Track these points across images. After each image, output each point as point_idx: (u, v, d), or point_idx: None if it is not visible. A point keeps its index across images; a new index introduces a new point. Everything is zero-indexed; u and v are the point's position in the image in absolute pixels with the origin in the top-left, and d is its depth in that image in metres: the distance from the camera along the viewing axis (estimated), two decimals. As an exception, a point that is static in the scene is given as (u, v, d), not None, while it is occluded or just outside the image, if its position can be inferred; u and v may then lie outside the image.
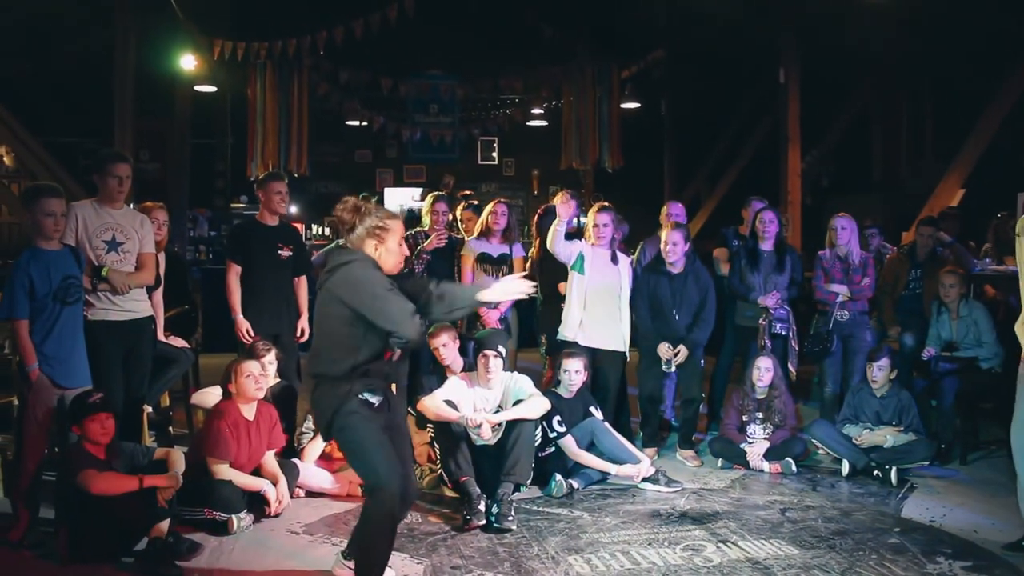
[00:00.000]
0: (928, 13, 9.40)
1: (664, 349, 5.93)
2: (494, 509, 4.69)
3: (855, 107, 12.28)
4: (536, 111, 13.16)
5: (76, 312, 4.45)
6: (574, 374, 5.56)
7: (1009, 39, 7.78)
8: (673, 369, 6.00)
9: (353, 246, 3.60)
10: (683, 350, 5.88)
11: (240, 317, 5.68)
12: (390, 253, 3.60)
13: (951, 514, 4.89)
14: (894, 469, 5.45)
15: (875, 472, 5.52)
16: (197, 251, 12.49)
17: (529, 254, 6.78)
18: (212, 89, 11.61)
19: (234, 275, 5.72)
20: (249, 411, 4.85)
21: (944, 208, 8.39)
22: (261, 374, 4.90)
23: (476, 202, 7.26)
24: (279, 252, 5.75)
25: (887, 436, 5.66)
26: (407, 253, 3.78)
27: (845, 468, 5.64)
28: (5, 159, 13.31)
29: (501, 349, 5.24)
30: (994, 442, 6.26)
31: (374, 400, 3.56)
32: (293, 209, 14.66)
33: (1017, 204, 7.22)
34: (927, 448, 5.65)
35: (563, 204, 5.71)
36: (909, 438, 5.66)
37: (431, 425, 5.23)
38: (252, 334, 5.62)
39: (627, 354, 6.05)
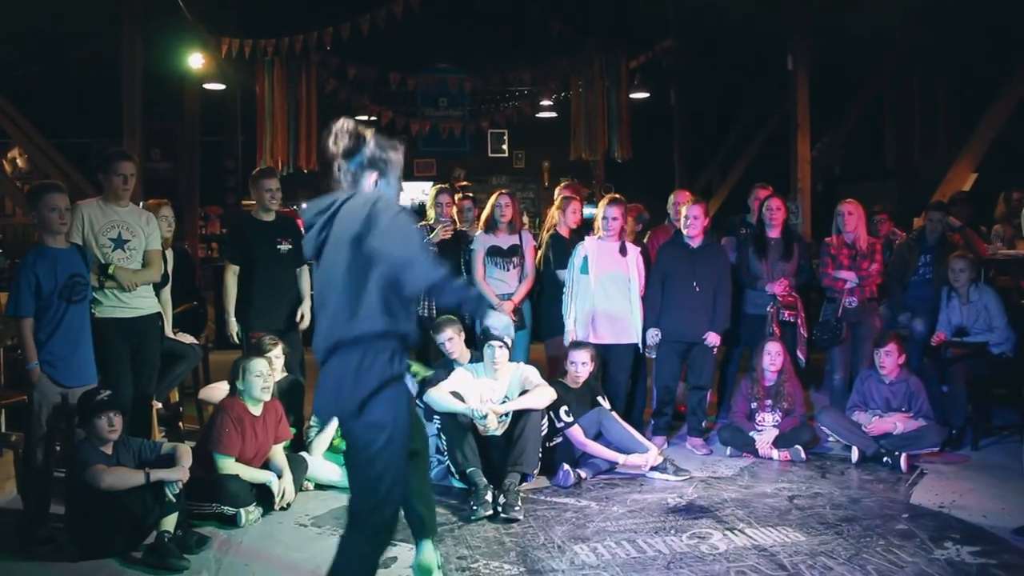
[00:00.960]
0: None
1: (651, 335, 5.94)
2: (501, 499, 4.71)
3: (868, 95, 12.18)
4: (545, 103, 13.13)
5: (82, 311, 4.49)
6: (580, 365, 5.56)
7: (1022, 24, 7.70)
8: (653, 355, 6.02)
9: (346, 180, 3.13)
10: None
11: (232, 319, 5.73)
12: (392, 189, 3.17)
13: (961, 499, 4.86)
14: (903, 455, 5.42)
15: (884, 459, 5.49)
16: (209, 248, 12.55)
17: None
18: (221, 87, 11.65)
19: (231, 275, 5.75)
20: (255, 407, 4.88)
21: (955, 193, 8.33)
22: (269, 373, 4.93)
23: (471, 194, 7.26)
24: (278, 247, 5.77)
25: (896, 423, 5.63)
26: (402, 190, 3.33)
27: (854, 455, 5.62)
28: (19, 161, 13.44)
29: (507, 340, 5.25)
30: (1007, 427, 6.23)
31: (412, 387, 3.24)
32: (304, 204, 14.74)
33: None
34: (937, 434, 5.62)
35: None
36: (919, 424, 5.62)
37: (438, 416, 5.26)
38: (239, 338, 5.68)
39: (640, 345, 6.04)
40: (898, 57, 11.42)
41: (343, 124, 3.11)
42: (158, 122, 11.10)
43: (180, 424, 6.05)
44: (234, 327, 5.70)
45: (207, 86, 11.50)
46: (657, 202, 7.66)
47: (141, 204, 5.54)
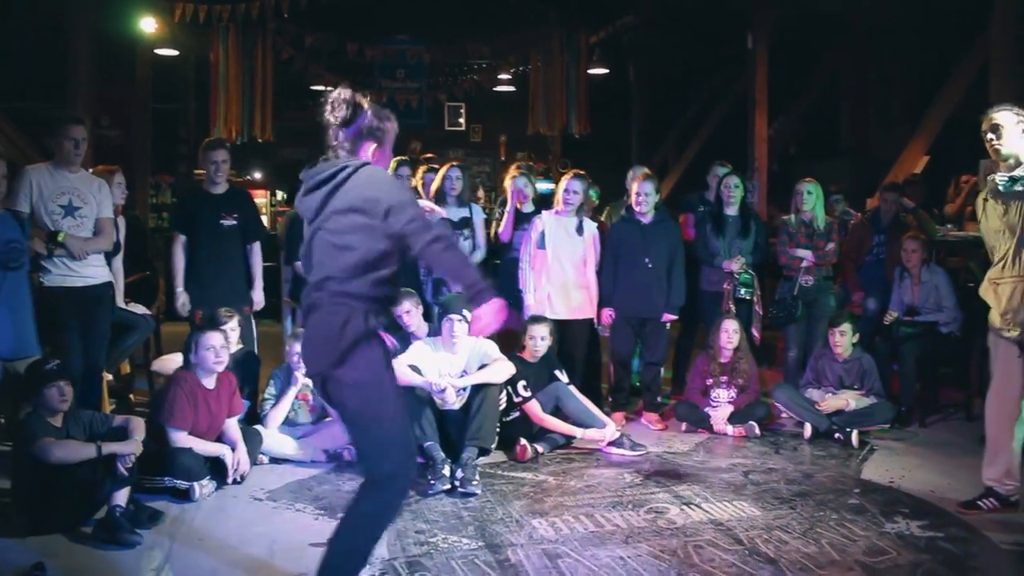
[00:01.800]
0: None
1: (606, 314, 5.97)
2: (459, 473, 4.70)
3: (824, 75, 12.29)
4: (503, 76, 13.03)
5: (20, 278, 4.36)
6: (540, 340, 5.56)
7: (975, 8, 7.79)
8: (607, 333, 6.05)
9: (340, 149, 3.10)
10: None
11: (180, 290, 5.64)
12: (386, 159, 3.20)
13: (910, 475, 4.96)
14: (855, 432, 5.52)
15: (836, 435, 5.58)
16: (160, 218, 12.30)
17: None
18: (174, 53, 11.36)
19: (179, 246, 5.66)
20: (209, 380, 4.79)
21: (908, 174, 8.45)
22: (223, 346, 4.84)
23: (436, 166, 7.21)
24: (222, 221, 5.66)
25: (849, 400, 5.72)
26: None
27: (807, 431, 5.70)
28: (-38, 125, 13.01)
29: (466, 313, 5.23)
30: (952, 405, 6.37)
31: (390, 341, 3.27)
32: (257, 175, 14.54)
33: (980, 170, 7.25)
34: (888, 411, 5.72)
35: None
36: (870, 401, 5.72)
37: (396, 391, 5.22)
38: (187, 310, 5.60)
39: (595, 320, 6.07)
40: (855, 36, 11.52)
41: (340, 93, 3.08)
42: (108, 88, 10.77)
43: (131, 396, 5.94)
44: (181, 298, 5.60)
45: (159, 51, 11.19)
46: (614, 177, 7.68)
47: (91, 171, 5.39)
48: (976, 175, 8.18)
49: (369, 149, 3.11)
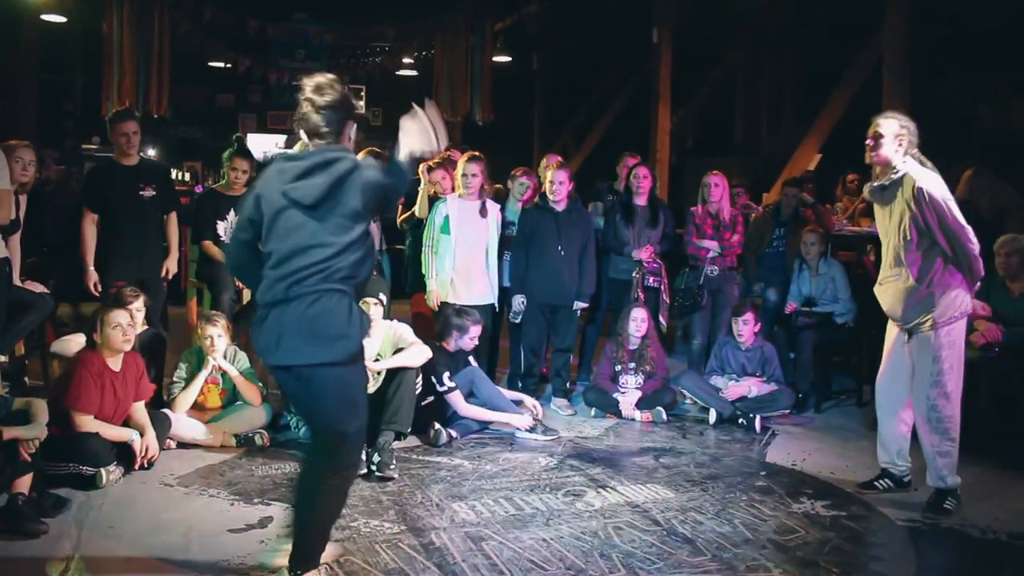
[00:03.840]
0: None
1: (517, 301, 6.04)
2: (375, 458, 4.66)
3: (721, 71, 12.64)
4: (407, 60, 12.93)
5: None
6: (470, 340, 5.60)
7: (867, 11, 8.15)
8: (519, 320, 6.12)
9: (322, 135, 3.13)
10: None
11: (91, 268, 5.48)
12: (352, 140, 3.27)
13: (810, 458, 5.19)
14: (758, 417, 5.73)
15: (740, 420, 5.79)
16: (44, 193, 11.67)
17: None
18: (61, 20, 10.80)
19: (89, 223, 5.50)
20: (115, 361, 4.60)
21: (803, 172, 8.79)
22: (129, 324, 4.67)
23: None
24: (141, 193, 5.53)
25: (751, 387, 5.94)
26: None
27: (712, 416, 5.89)
28: None
29: (382, 296, 5.19)
30: (843, 392, 6.69)
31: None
32: (151, 152, 13.99)
33: (872, 171, 7.59)
34: (788, 397, 5.96)
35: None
36: (772, 388, 5.95)
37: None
38: (99, 288, 5.45)
39: (496, 304, 6.12)
40: (752, 35, 11.89)
41: (325, 78, 3.16)
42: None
43: (25, 379, 5.66)
44: (92, 277, 5.40)
45: (45, 17, 10.62)
46: (516, 164, 7.72)
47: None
48: (859, 174, 8.61)
49: (352, 131, 3.21)
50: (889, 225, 4.32)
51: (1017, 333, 5.26)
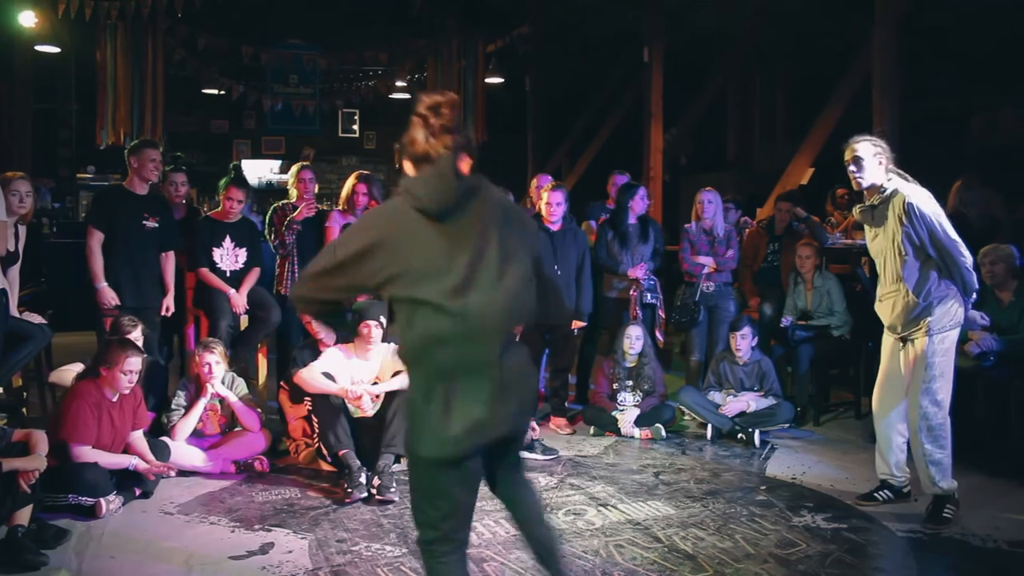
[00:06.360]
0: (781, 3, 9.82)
1: None
2: (376, 481, 4.66)
3: (713, 89, 12.72)
4: (399, 83, 12.99)
5: None
6: None
7: (855, 28, 8.22)
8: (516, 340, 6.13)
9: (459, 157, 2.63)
10: None
11: (104, 285, 5.52)
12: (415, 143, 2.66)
13: (810, 471, 5.20)
14: (757, 432, 5.75)
15: (739, 435, 5.80)
16: (40, 224, 11.71)
17: None
18: (55, 50, 10.85)
19: (96, 242, 5.54)
20: (112, 392, 4.62)
21: (796, 186, 8.83)
22: (139, 370, 4.67)
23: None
24: (144, 222, 5.58)
25: (750, 401, 5.95)
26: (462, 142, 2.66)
27: (710, 432, 5.90)
28: None
29: (383, 319, 5.20)
30: (842, 404, 6.70)
31: None
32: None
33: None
34: (787, 411, 5.98)
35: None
36: (770, 402, 5.96)
37: (308, 398, 5.16)
38: (115, 303, 5.48)
39: None
40: (742, 53, 11.97)
41: (447, 96, 2.66)
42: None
43: (24, 410, 5.65)
44: (108, 293, 5.49)
45: (40, 48, 10.67)
46: (509, 186, 7.76)
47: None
48: (848, 189, 8.65)
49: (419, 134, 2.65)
50: (885, 244, 4.35)
51: (1010, 341, 5.28)
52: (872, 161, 4.28)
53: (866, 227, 4.52)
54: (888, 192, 4.27)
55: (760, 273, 7.11)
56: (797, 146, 9.54)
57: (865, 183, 4.31)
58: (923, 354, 4.27)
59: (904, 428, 4.47)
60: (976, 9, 8.36)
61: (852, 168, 4.34)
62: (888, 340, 4.49)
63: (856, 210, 4.51)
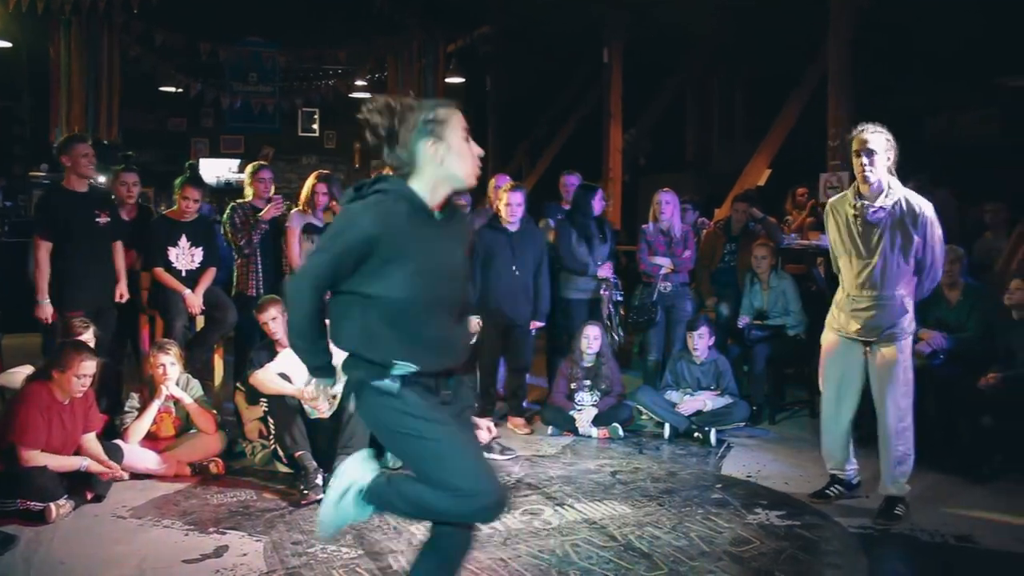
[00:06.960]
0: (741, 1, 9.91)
1: (474, 322, 6.06)
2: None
3: (672, 88, 12.80)
4: (360, 83, 12.93)
5: None
6: None
7: (812, 30, 8.32)
8: (474, 341, 6.15)
9: (401, 165, 2.63)
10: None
11: (46, 301, 5.39)
12: (455, 153, 2.64)
13: (765, 469, 5.26)
14: (713, 431, 5.80)
15: (696, 434, 5.85)
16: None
17: None
18: (7, 45, 10.64)
19: (44, 252, 5.40)
20: (64, 395, 4.54)
21: (750, 188, 8.92)
22: (92, 374, 4.59)
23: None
24: (97, 220, 5.49)
25: (706, 400, 6.00)
26: (480, 152, 2.73)
27: (667, 431, 5.94)
28: None
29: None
30: (797, 403, 6.78)
31: None
32: (102, 179, 13.80)
33: (820, 184, 7.75)
34: (744, 410, 6.03)
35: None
36: (727, 401, 6.01)
37: (264, 400, 5.12)
38: (51, 320, 5.40)
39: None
40: (700, 54, 12.07)
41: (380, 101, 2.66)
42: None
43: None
44: (47, 310, 5.36)
45: (-10, 43, 10.48)
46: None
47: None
48: (807, 187, 8.78)
49: (426, 149, 2.65)
50: (875, 247, 4.21)
51: (958, 340, 5.39)
52: (882, 157, 4.14)
53: (838, 227, 4.35)
54: (894, 195, 4.17)
55: (717, 273, 7.18)
56: (756, 146, 9.65)
57: (873, 178, 4.15)
58: (893, 359, 4.29)
59: (848, 425, 4.53)
60: (938, 6, 8.41)
61: (864, 160, 4.13)
62: (837, 340, 4.49)
63: (850, 209, 4.27)
